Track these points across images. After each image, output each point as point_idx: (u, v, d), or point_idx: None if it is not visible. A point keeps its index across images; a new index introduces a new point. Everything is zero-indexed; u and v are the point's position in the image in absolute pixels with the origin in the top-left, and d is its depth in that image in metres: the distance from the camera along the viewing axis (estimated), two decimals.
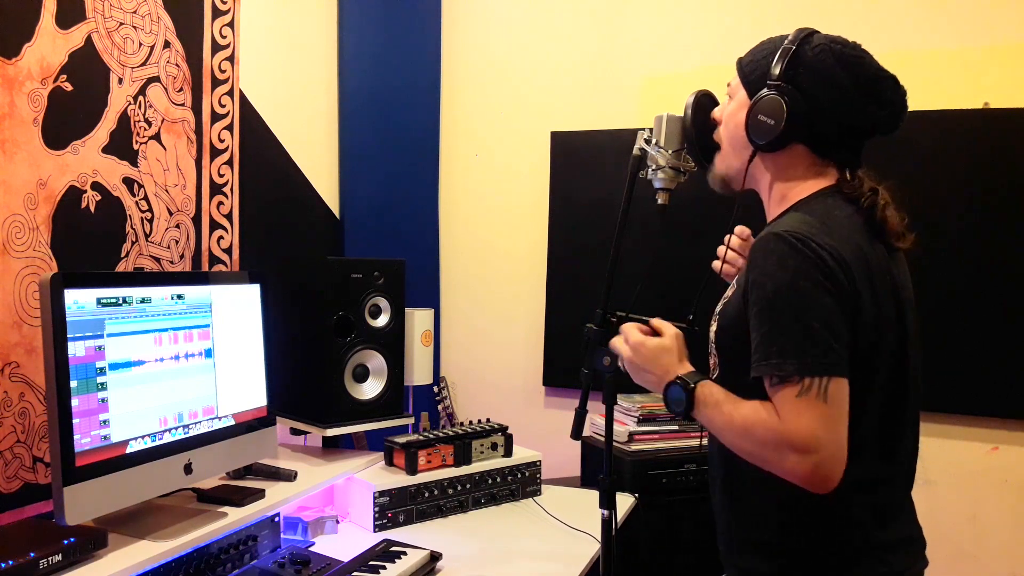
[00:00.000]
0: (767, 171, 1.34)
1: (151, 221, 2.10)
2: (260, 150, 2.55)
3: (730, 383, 1.25)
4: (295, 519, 1.96)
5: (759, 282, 1.18)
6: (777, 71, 1.27)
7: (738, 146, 1.35)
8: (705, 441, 1.41)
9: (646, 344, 1.33)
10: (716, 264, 1.54)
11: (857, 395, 1.19)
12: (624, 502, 2.25)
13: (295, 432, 2.31)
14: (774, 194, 1.35)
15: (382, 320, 2.27)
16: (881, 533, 1.25)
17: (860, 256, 1.20)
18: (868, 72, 1.27)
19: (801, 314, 1.15)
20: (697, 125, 1.39)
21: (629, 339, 1.34)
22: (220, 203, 2.35)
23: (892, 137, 1.32)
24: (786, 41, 1.29)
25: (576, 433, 1.47)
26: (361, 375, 2.25)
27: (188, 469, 1.69)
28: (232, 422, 1.84)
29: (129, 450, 1.57)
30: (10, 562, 1.33)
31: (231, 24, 2.38)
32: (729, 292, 1.38)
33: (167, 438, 1.66)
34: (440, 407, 3.07)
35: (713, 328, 1.35)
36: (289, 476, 1.99)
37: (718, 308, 1.37)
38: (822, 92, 1.26)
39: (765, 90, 1.28)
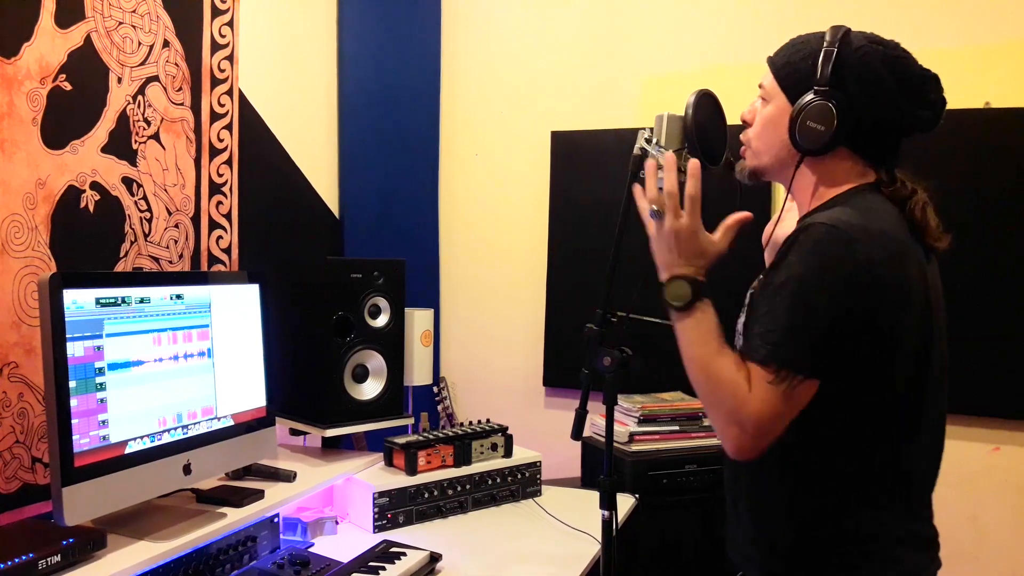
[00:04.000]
0: (811, 174, 1.33)
1: (150, 221, 2.10)
2: (259, 150, 2.54)
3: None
4: (294, 520, 1.96)
5: (777, 267, 1.21)
6: (824, 75, 1.25)
7: (775, 147, 1.34)
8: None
9: (699, 236, 1.28)
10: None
11: (879, 396, 1.21)
12: (624, 503, 2.24)
13: (294, 432, 2.31)
14: (814, 193, 1.34)
15: (382, 320, 2.27)
16: (900, 532, 1.26)
17: (898, 252, 1.21)
18: (912, 73, 1.27)
19: (799, 310, 1.17)
20: (698, 124, 1.38)
21: (693, 212, 1.28)
22: (219, 203, 2.34)
23: None
24: (825, 43, 1.27)
25: (576, 434, 1.46)
26: (361, 375, 2.25)
27: (187, 470, 1.69)
28: (231, 422, 1.84)
29: (128, 450, 1.56)
30: (10, 562, 1.33)
31: (230, 23, 2.37)
32: (756, 283, 1.38)
33: (166, 438, 1.65)
34: (440, 407, 3.06)
35: (741, 319, 1.35)
36: (288, 477, 1.99)
37: (747, 299, 1.37)
38: (868, 95, 1.25)
39: (812, 95, 1.26)
